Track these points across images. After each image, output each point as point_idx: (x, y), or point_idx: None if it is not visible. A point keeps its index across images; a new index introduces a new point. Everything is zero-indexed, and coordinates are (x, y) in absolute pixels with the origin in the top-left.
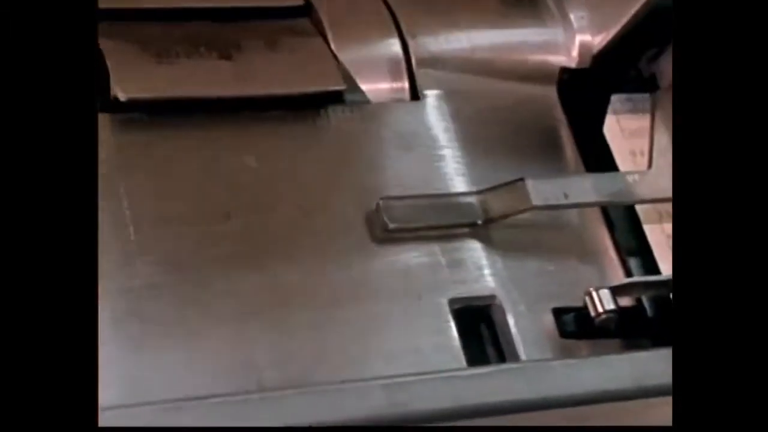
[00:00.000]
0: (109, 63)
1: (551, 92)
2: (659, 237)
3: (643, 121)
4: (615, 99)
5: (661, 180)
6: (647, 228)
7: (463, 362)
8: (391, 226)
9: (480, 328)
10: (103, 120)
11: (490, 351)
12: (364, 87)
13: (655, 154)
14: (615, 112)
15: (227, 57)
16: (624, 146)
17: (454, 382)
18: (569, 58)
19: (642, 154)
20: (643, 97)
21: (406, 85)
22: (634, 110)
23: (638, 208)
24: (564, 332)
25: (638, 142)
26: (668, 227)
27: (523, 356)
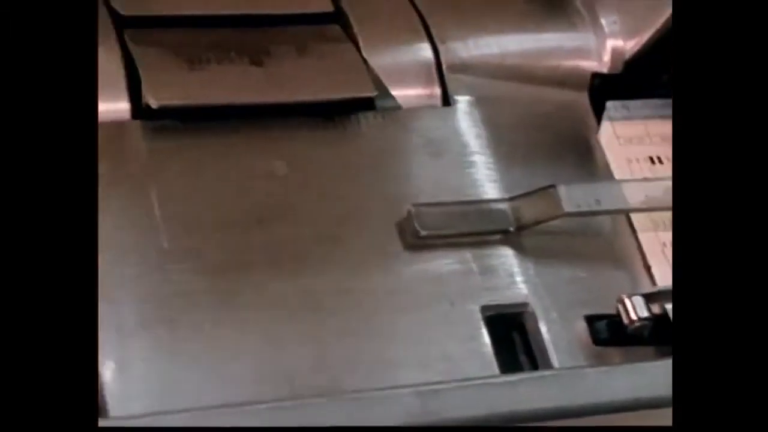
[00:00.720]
0: (141, 70)
1: (583, 98)
2: (654, 245)
3: (638, 129)
4: (611, 106)
5: None
6: (642, 236)
7: (496, 369)
8: (423, 233)
9: (512, 336)
10: (136, 127)
11: (523, 358)
12: (394, 93)
13: None
14: (611, 119)
15: (258, 63)
16: (620, 153)
17: (487, 389)
18: (601, 63)
19: (638, 161)
20: (639, 104)
21: (437, 91)
22: (630, 117)
23: (633, 216)
24: (597, 339)
25: (634, 149)
26: (663, 235)
27: (555, 364)
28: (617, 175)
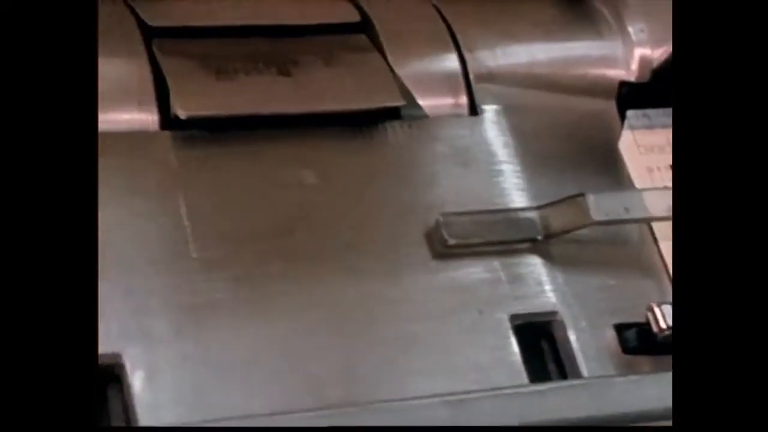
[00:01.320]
0: (169, 81)
1: (611, 106)
2: None
3: (659, 137)
4: (631, 115)
5: None
6: (663, 245)
7: (525, 378)
8: (451, 242)
9: (541, 344)
10: (164, 137)
11: (552, 367)
12: (422, 102)
13: None
14: (631, 128)
15: (286, 73)
16: (641, 162)
17: (516, 398)
18: (628, 72)
19: (659, 169)
20: (660, 113)
21: (465, 100)
22: (651, 126)
23: (654, 225)
24: (626, 348)
25: (655, 157)
26: None
27: (584, 372)
28: (638, 184)
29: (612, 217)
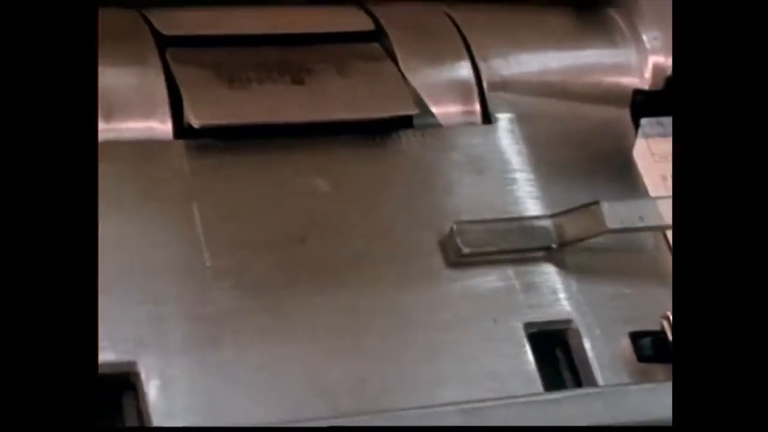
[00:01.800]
0: (182, 89)
1: (624, 114)
2: None
3: None
4: (645, 123)
5: None
6: None
7: (540, 387)
8: (466, 250)
9: (556, 353)
10: (177, 146)
11: (566, 375)
12: (435, 111)
13: None
14: (645, 136)
15: (299, 82)
16: (655, 170)
17: (531, 407)
18: (642, 79)
19: None
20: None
21: (478, 108)
22: (665, 134)
23: (669, 233)
24: (641, 356)
25: (669, 165)
26: None
27: (599, 381)
28: (652, 192)
29: (626, 225)
